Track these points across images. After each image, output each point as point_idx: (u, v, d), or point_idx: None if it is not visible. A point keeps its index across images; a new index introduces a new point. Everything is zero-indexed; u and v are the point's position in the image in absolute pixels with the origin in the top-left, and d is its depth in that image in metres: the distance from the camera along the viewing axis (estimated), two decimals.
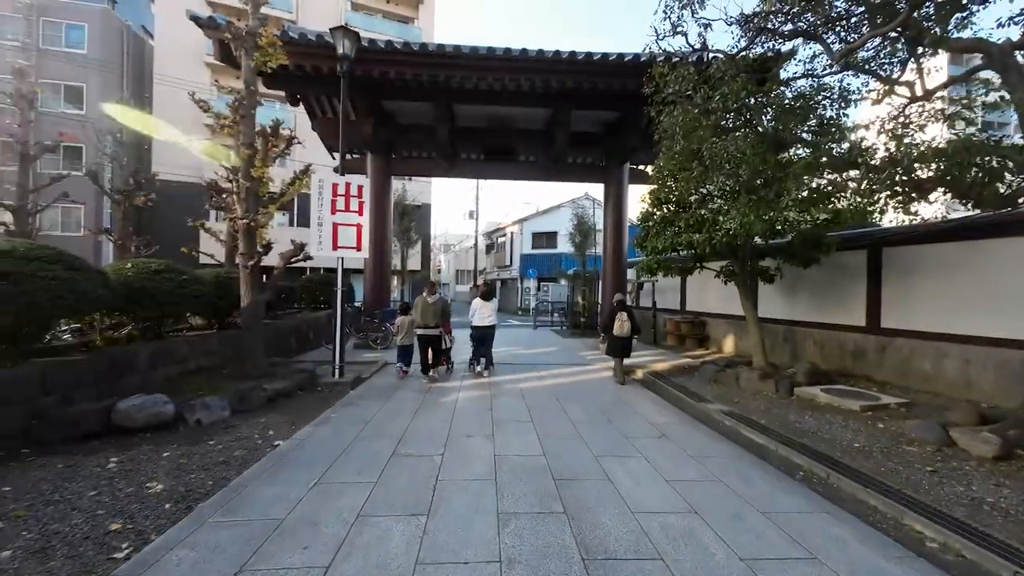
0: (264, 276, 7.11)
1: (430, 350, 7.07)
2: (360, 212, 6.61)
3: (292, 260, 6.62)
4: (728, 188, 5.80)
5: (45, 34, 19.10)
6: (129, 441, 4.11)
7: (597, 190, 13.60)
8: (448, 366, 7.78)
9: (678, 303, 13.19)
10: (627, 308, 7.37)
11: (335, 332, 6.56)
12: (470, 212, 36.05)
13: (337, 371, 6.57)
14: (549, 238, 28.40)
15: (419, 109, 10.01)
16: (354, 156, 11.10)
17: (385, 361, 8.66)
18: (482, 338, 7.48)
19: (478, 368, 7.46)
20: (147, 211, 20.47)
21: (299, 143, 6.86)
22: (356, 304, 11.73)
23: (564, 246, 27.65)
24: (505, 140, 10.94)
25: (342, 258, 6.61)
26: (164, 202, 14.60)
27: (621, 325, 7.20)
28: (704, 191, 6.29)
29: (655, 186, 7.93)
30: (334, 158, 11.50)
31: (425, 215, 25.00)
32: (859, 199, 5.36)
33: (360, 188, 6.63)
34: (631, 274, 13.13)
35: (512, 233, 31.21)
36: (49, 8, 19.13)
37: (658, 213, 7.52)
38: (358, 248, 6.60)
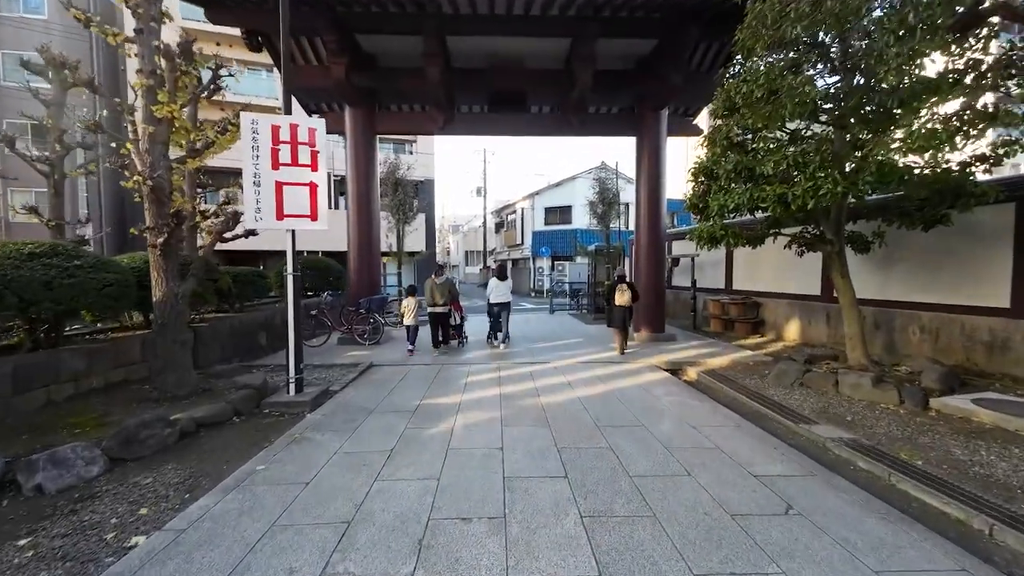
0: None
1: (440, 327, 7.75)
2: (314, 166, 4.74)
3: (225, 235, 4.84)
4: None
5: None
6: None
7: (626, 146, 11.42)
8: (460, 340, 8.31)
9: (722, 281, 11.18)
10: (627, 281, 7.69)
11: (289, 333, 4.80)
12: (477, 189, 33.99)
13: (292, 385, 4.84)
14: (563, 213, 26.24)
15: (405, 47, 7.99)
16: (328, 110, 9.16)
17: (371, 362, 6.94)
18: (499, 314, 8.15)
19: (496, 343, 8.20)
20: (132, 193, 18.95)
21: (228, 73, 4.96)
22: (336, 292, 9.99)
23: (579, 221, 25.49)
24: (513, 84, 8.85)
25: (293, 231, 4.79)
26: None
27: (622, 295, 7.48)
28: (820, 118, 4.25)
29: (717, 123, 5.88)
30: (312, 113, 9.62)
31: (428, 191, 23.01)
32: None
33: (312, 133, 4.74)
34: (687, 247, 10.87)
35: (522, 209, 29.08)
36: None
37: (725, 161, 5.48)
38: (313, 216, 4.76)
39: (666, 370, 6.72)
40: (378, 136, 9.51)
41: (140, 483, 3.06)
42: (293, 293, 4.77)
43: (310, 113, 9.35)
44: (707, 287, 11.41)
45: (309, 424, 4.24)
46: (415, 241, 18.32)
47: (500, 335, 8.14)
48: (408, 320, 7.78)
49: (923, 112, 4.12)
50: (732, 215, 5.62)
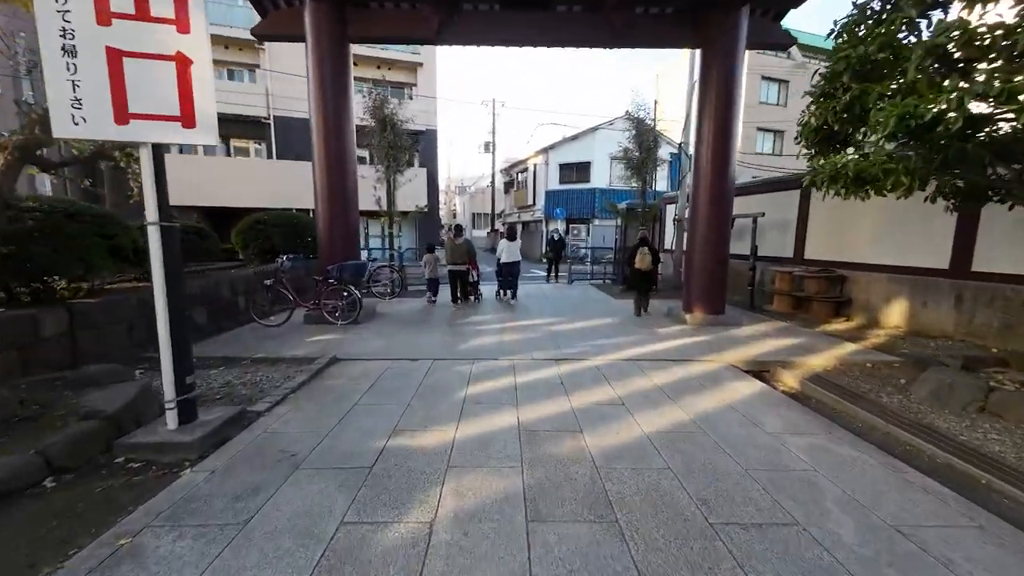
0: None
1: (459, 283, 8.32)
2: (181, 24, 2.57)
3: (37, 151, 2.75)
4: None
5: None
6: None
7: (676, 66, 8.81)
8: (476, 296, 8.75)
9: (789, 248, 8.94)
10: (648, 243, 7.45)
11: (159, 328, 2.81)
12: (486, 144, 31.08)
13: (174, 411, 2.89)
14: (580, 170, 23.56)
15: None
16: (285, 5, 6.73)
17: (335, 355, 5.00)
18: (509, 273, 8.81)
19: (507, 298, 8.90)
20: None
21: None
22: (299, 255, 7.95)
23: (599, 179, 22.90)
24: None
25: (151, 147, 2.70)
26: None
27: (643, 259, 7.27)
28: None
29: None
30: (265, 13, 7.21)
31: (430, 142, 20.43)
32: None
33: None
34: (746, 205, 8.14)
35: (535, 166, 26.35)
36: None
37: (920, 39, 3.18)
38: (187, 119, 2.64)
39: (748, 372, 4.73)
40: (362, 74, 7.16)
41: None
42: (162, 258, 2.73)
43: (263, 12, 6.95)
44: (766, 255, 9.21)
45: (171, 501, 2.30)
46: (414, 197, 15.96)
47: (509, 293, 8.94)
48: (428, 274, 8.68)
49: None
50: (907, 139, 3.38)
